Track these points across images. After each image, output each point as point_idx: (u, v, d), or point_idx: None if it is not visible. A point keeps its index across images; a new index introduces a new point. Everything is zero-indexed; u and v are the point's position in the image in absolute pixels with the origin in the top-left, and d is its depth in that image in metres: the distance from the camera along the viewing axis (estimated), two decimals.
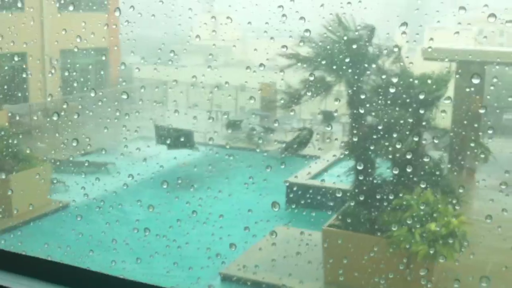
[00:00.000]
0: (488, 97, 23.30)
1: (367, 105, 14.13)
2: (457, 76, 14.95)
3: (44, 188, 19.29)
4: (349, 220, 13.85)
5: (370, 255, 12.76)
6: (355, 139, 14.47)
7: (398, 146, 12.99)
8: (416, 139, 13.17)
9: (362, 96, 14.09)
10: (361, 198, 13.83)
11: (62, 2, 32.18)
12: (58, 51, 33.13)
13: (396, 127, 13.36)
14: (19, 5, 27.84)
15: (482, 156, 15.11)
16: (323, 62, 14.19)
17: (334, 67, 14.11)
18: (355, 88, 14.24)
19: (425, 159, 13.97)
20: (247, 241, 14.75)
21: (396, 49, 13.87)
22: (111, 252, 14.34)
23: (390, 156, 13.86)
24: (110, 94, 33.17)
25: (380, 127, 13.53)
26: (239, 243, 13.37)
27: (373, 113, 14.06)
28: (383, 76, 14.13)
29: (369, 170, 14.31)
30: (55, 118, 25.71)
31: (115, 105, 29.61)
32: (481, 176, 21.76)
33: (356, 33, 14.09)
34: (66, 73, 33.84)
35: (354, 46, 13.70)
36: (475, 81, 19.47)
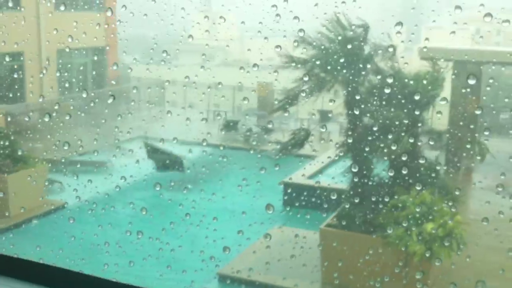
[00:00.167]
0: (484, 97, 23.36)
1: (362, 106, 14.17)
2: (453, 76, 14.97)
3: (38, 190, 19.25)
4: (346, 220, 13.90)
5: (367, 256, 12.82)
6: (350, 140, 14.51)
7: (393, 148, 13.03)
8: (411, 140, 13.20)
9: (357, 97, 14.13)
10: (358, 199, 13.87)
11: (54, 1, 32.08)
12: (54, 51, 33.12)
13: (391, 128, 13.38)
14: (10, 4, 27.76)
15: (480, 154, 15.11)
16: (318, 62, 14.22)
17: (329, 67, 14.14)
18: (349, 89, 14.28)
19: (422, 160, 14.02)
20: (241, 243, 14.76)
21: (390, 49, 13.90)
22: (104, 255, 14.37)
23: (387, 157, 13.90)
24: (103, 95, 33.18)
25: (375, 128, 13.56)
26: (233, 246, 13.38)
27: (368, 114, 14.09)
28: (378, 77, 14.17)
29: (366, 171, 14.35)
30: (46, 119, 25.65)
31: (107, 105, 29.68)
32: (478, 176, 21.85)
33: (351, 32, 14.11)
34: (58, 74, 33.76)
35: (349, 46, 13.73)
36: (471, 81, 19.58)
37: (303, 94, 14.62)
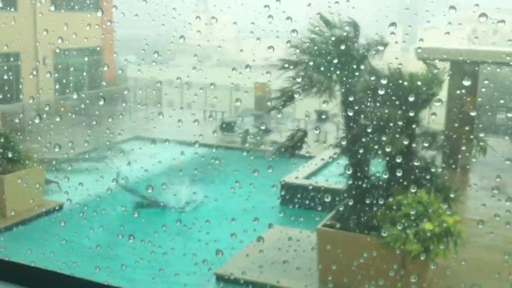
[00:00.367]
0: (479, 99, 23.46)
1: (356, 107, 14.21)
2: (448, 76, 15.03)
3: (36, 190, 19.26)
4: (343, 220, 13.96)
5: (365, 256, 12.87)
6: (346, 141, 14.56)
7: (390, 148, 13.08)
8: (407, 140, 13.26)
9: (351, 98, 14.17)
10: (355, 198, 13.93)
11: (44, 1, 32.19)
12: (49, 51, 33.15)
13: (387, 128, 13.43)
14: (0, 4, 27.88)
15: (481, 148, 15.18)
16: (311, 63, 14.27)
17: (322, 68, 14.18)
18: (343, 89, 14.32)
19: (418, 160, 14.09)
20: (234, 247, 14.82)
21: (381, 48, 13.96)
22: (96, 259, 14.42)
23: (383, 157, 13.95)
24: (94, 96, 33.19)
25: (372, 128, 13.59)
26: (226, 249, 13.44)
27: (363, 114, 14.13)
28: (372, 77, 14.21)
29: (363, 171, 14.40)
30: (36, 120, 25.72)
31: (99, 107, 29.73)
32: (476, 175, 21.95)
33: (344, 33, 14.16)
34: (48, 75, 33.75)
35: (340, 46, 13.77)
36: (466, 82, 19.69)
37: (297, 95, 14.65)
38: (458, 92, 21.61)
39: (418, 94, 13.52)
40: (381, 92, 13.56)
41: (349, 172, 14.35)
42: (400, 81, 13.43)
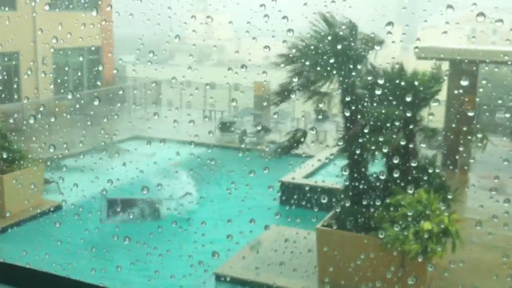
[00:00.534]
0: (477, 99, 23.52)
1: (355, 106, 14.24)
2: (446, 76, 15.08)
3: (36, 189, 19.33)
4: (343, 220, 14.00)
5: (364, 255, 12.93)
6: (345, 140, 14.60)
7: (389, 147, 13.13)
8: (406, 139, 13.30)
9: (350, 97, 14.21)
10: (355, 198, 13.98)
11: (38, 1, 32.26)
12: (46, 51, 33.22)
13: (385, 128, 13.45)
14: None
15: (482, 143, 15.21)
16: (307, 63, 14.31)
17: (318, 67, 14.21)
18: (342, 89, 14.36)
19: (418, 159, 14.14)
20: (230, 248, 14.88)
21: (378, 48, 14.00)
22: (92, 260, 14.46)
23: (383, 156, 13.98)
24: (89, 96, 33.22)
25: (370, 127, 13.61)
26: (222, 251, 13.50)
27: (362, 114, 14.16)
28: (371, 77, 14.24)
29: (362, 170, 14.44)
30: (31, 121, 25.72)
31: (96, 107, 29.79)
32: (475, 175, 22.03)
33: (341, 33, 14.19)
34: (43, 74, 33.80)
35: (337, 45, 13.81)
36: (465, 82, 19.76)
37: (294, 94, 14.69)
38: (457, 91, 21.69)
39: (418, 92, 13.58)
40: (378, 92, 13.61)
41: (346, 173, 14.40)
42: (400, 80, 13.46)
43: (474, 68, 22.11)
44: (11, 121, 27.01)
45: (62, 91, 34.77)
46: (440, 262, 12.88)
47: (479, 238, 14.87)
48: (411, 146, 13.84)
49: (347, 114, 14.30)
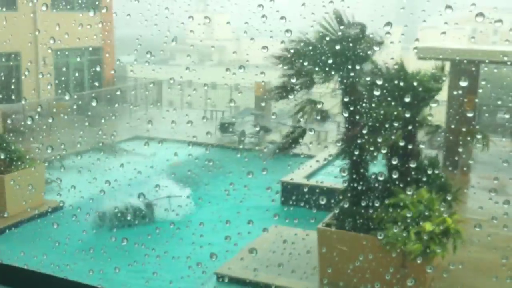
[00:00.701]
0: (476, 100, 23.57)
1: (357, 106, 14.26)
2: (445, 77, 15.09)
3: (37, 189, 19.38)
4: (344, 220, 14.02)
5: (365, 255, 12.98)
6: (343, 141, 14.63)
7: (387, 149, 13.18)
8: (408, 139, 13.36)
9: (352, 97, 14.24)
10: (356, 198, 14.01)
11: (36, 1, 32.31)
12: (49, 51, 33.30)
13: (386, 128, 13.48)
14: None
15: (484, 143, 15.25)
16: (305, 63, 14.34)
17: (317, 68, 14.25)
18: (341, 90, 14.39)
19: (420, 159, 14.18)
20: (228, 249, 14.93)
21: (376, 49, 14.02)
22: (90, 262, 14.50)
23: (384, 156, 14.01)
24: (86, 97, 33.26)
25: (371, 127, 13.63)
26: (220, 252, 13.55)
27: (363, 114, 14.18)
28: (372, 76, 14.27)
29: (363, 170, 14.47)
30: (29, 122, 25.80)
31: (97, 107, 29.85)
32: (476, 175, 22.07)
33: (339, 33, 14.22)
34: (41, 75, 33.84)
35: (338, 47, 13.84)
36: (465, 83, 19.79)
37: (291, 96, 14.71)
38: (457, 92, 21.72)
39: (418, 92, 13.61)
40: (378, 92, 13.64)
41: (344, 174, 14.43)
42: (400, 80, 13.49)
43: (473, 68, 22.15)
44: (11, 121, 27.11)
45: (63, 91, 34.87)
46: (442, 262, 12.91)
47: (480, 239, 14.89)
48: (412, 146, 13.88)
49: (350, 113, 14.31)
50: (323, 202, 14.08)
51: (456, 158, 20.88)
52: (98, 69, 38.83)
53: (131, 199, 18.63)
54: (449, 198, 13.38)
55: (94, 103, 28.95)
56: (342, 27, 14.19)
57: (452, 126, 20.71)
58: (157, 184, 18.29)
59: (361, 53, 14.09)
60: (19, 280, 3.08)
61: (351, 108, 14.22)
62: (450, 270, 13.29)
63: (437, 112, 15.34)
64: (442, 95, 15.33)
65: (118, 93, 37.14)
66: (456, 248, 12.48)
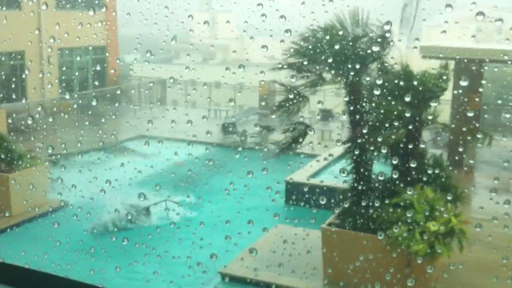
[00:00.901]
0: (477, 100, 23.61)
1: (362, 105, 14.31)
2: (450, 76, 15.12)
3: (41, 188, 19.48)
4: (348, 219, 14.06)
5: (369, 255, 13.02)
6: (350, 139, 14.65)
7: (383, 150, 13.24)
8: (412, 138, 13.41)
9: (357, 96, 14.29)
10: (360, 197, 14.03)
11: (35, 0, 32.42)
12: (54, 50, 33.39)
13: (390, 127, 13.49)
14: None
15: (487, 140, 15.26)
16: (305, 63, 14.37)
17: (318, 67, 14.29)
18: (350, 87, 14.41)
19: (425, 158, 14.22)
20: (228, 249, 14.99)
21: (376, 49, 14.05)
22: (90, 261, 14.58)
23: (389, 155, 14.04)
24: (85, 97, 33.33)
25: (376, 127, 13.64)
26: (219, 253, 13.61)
27: (357, 116, 14.23)
28: (378, 75, 14.30)
29: (367, 170, 14.48)
30: (29, 121, 25.88)
31: (96, 107, 29.93)
32: (481, 174, 22.12)
33: (340, 32, 14.25)
34: (41, 75, 33.93)
35: (337, 46, 13.88)
36: (466, 82, 19.84)
37: (291, 96, 14.74)
38: (461, 91, 21.76)
39: (426, 91, 13.65)
40: (384, 90, 13.66)
41: (352, 173, 14.47)
42: (404, 79, 13.53)
43: (474, 67, 22.17)
44: (17, 120, 27.21)
45: (68, 89, 35.00)
46: (446, 262, 12.93)
47: (483, 239, 14.92)
48: (418, 145, 13.92)
49: (355, 113, 14.34)
50: (327, 201, 14.12)
51: (460, 157, 20.91)
52: (101, 68, 38.90)
53: (131, 200, 18.70)
54: (453, 197, 13.43)
55: (94, 103, 29.02)
56: (357, 28, 14.22)
57: (456, 125, 20.72)
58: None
59: (373, 53, 14.11)
60: (20, 279, 3.16)
61: (358, 108, 14.25)
62: (451, 270, 13.34)
63: (441, 111, 15.35)
64: (446, 94, 15.33)
65: (118, 92, 37.18)
66: (462, 248, 12.53)
